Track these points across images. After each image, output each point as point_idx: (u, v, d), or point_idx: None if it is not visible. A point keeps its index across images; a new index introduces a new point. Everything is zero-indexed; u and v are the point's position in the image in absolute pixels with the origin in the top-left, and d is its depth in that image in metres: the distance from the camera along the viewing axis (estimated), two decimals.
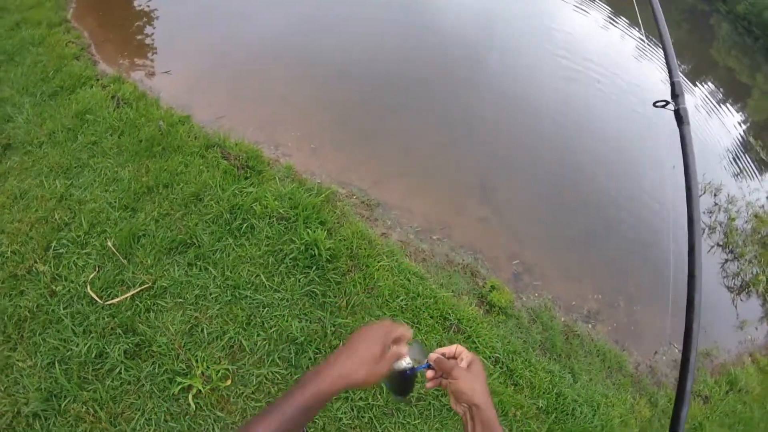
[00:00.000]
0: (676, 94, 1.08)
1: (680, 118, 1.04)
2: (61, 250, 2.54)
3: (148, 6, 5.39)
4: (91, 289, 2.36)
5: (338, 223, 2.94)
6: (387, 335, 0.81)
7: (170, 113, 3.60)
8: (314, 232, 2.66)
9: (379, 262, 2.74)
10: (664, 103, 1.09)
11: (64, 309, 2.28)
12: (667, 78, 1.16)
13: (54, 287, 2.36)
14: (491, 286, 2.98)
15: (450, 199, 3.65)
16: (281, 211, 2.83)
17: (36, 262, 2.48)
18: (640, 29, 9.32)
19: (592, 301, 3.37)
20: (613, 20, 9.00)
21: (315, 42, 5.17)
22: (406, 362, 0.84)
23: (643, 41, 9.09)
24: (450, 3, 7.19)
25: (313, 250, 2.61)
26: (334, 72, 4.78)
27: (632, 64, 7.71)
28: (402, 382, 0.86)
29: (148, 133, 3.29)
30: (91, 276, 2.41)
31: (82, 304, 2.31)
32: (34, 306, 2.29)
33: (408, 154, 4.01)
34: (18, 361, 2.11)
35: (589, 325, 3.22)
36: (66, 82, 3.75)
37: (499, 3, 8.01)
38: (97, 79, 3.85)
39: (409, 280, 2.74)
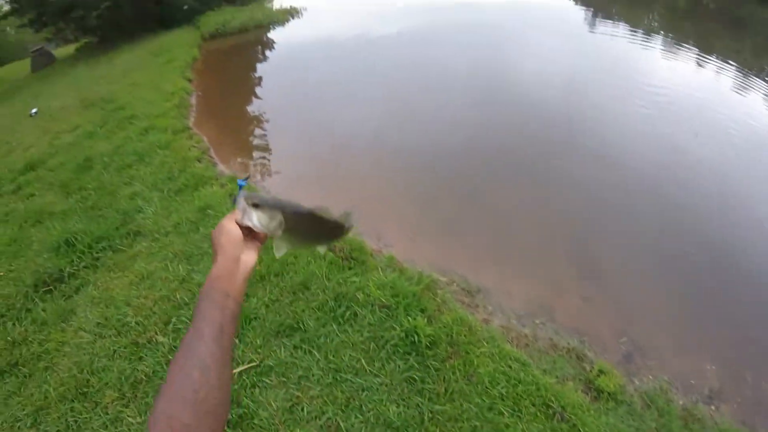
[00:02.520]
0: None
1: None
2: (179, 326, 2.82)
3: (258, 113, 6.27)
4: None
5: (438, 310, 2.95)
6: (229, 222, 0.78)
7: None
8: (414, 319, 2.71)
9: (479, 348, 2.68)
10: None
11: None
12: None
13: (171, 357, 2.62)
14: (599, 369, 2.73)
15: (550, 279, 3.49)
16: (383, 299, 2.93)
17: (156, 333, 2.78)
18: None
19: (714, 378, 2.92)
20: (705, 58, 8.42)
21: (406, 135, 5.56)
22: (242, 200, 0.78)
23: (743, 71, 8.29)
24: (532, 74, 7.29)
25: (413, 337, 2.63)
26: (427, 164, 5.04)
27: (735, 98, 7.08)
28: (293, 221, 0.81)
29: None
30: None
31: None
32: (151, 371, 2.53)
33: (506, 237, 3.99)
34: (129, 416, 2.31)
35: (712, 407, 2.77)
36: (190, 181, 4.42)
37: (584, 64, 7.91)
38: (216, 179, 4.49)
39: (511, 367, 2.62)
